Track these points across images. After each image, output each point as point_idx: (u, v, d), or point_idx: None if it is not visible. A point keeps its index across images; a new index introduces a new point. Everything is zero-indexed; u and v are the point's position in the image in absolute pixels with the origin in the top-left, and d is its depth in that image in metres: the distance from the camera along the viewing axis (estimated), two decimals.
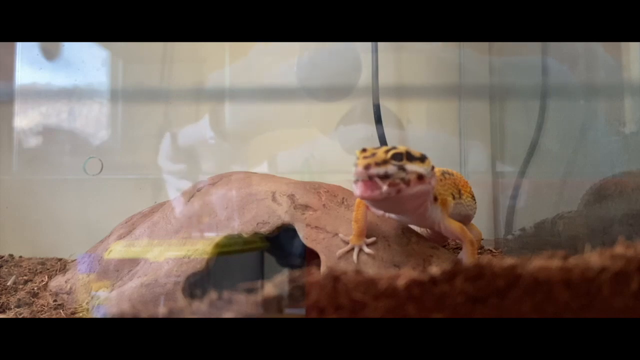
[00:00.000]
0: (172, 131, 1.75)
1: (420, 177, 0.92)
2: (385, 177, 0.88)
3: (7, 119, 1.72)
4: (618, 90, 1.16)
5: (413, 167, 0.92)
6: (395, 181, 0.89)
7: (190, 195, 1.33)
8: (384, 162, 0.89)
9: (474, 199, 1.26)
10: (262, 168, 1.46)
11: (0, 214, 1.77)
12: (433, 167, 0.98)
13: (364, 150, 0.92)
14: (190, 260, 1.15)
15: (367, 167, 0.88)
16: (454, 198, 1.14)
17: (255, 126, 1.80)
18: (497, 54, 1.75)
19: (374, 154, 0.90)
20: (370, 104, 1.65)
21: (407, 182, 0.90)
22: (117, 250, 1.30)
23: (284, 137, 1.80)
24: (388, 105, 1.72)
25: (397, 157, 0.90)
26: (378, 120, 1.65)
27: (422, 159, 0.95)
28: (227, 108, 1.79)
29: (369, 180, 0.88)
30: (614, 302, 0.56)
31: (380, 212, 1.11)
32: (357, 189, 0.89)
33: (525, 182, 1.56)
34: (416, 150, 0.96)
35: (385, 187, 0.88)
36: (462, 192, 1.19)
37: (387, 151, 0.91)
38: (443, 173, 1.17)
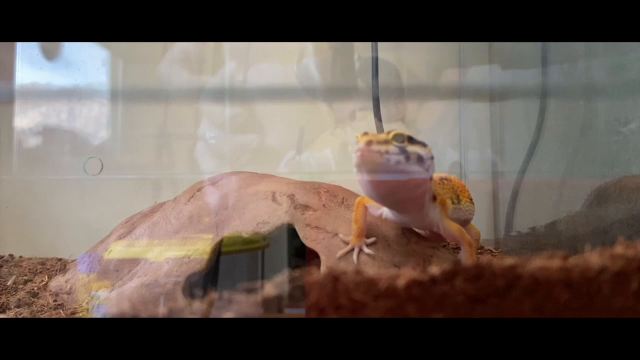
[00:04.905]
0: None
1: (420, 159, 0.94)
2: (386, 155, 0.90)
3: (7, 119, 1.71)
4: (618, 90, 1.15)
5: (414, 148, 0.93)
6: (396, 151, 0.91)
7: (190, 195, 1.33)
8: (386, 141, 0.91)
9: (472, 203, 1.26)
10: (263, 168, 1.46)
11: (0, 214, 1.77)
12: (433, 157, 0.99)
13: (365, 133, 0.93)
14: (190, 260, 1.14)
15: (369, 143, 0.90)
16: (452, 203, 1.14)
17: (256, 126, 1.80)
18: (497, 54, 1.75)
19: (375, 135, 0.92)
20: (370, 104, 1.66)
21: (407, 158, 0.92)
22: (117, 250, 1.30)
23: (285, 137, 1.81)
24: (388, 105, 1.72)
25: (399, 138, 0.92)
26: (378, 121, 1.65)
27: (423, 144, 0.97)
28: (226, 108, 1.79)
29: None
30: (614, 302, 0.56)
31: (379, 212, 1.11)
32: (357, 157, 0.90)
33: (525, 182, 1.56)
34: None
35: (385, 155, 0.90)
36: (461, 197, 1.19)
37: (388, 132, 0.93)
38: (441, 179, 1.17)
